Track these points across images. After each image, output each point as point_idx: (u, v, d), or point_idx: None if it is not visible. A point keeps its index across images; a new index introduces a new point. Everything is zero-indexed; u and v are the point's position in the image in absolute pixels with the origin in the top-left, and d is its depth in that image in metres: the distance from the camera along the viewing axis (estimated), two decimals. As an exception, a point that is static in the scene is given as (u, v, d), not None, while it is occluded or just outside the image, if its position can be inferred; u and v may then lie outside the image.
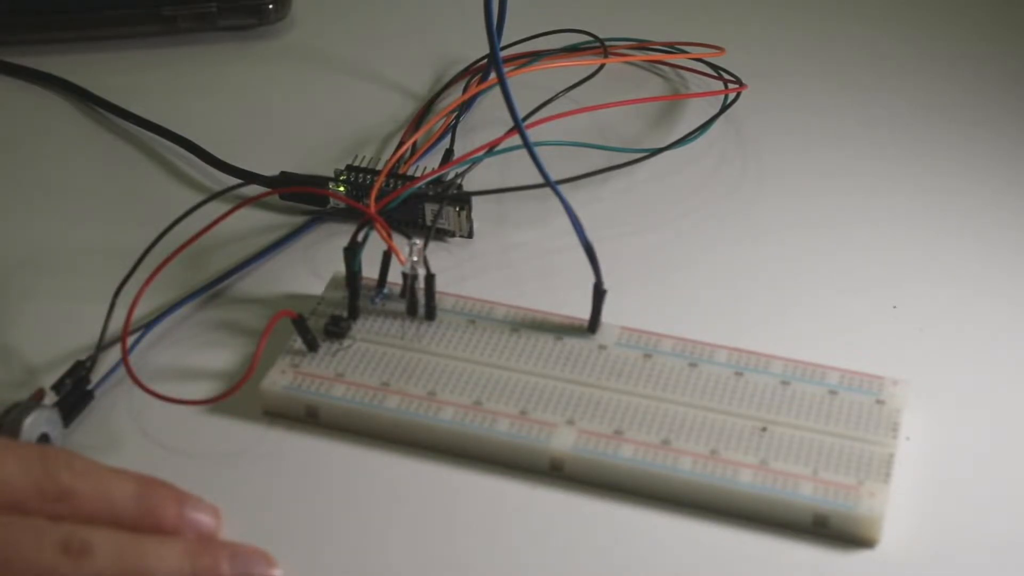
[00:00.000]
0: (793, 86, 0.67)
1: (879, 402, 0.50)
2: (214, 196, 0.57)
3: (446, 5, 0.72)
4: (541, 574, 0.47)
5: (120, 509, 0.45)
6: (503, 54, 0.60)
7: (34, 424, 0.48)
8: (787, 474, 0.48)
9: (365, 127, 0.64)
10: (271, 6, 0.69)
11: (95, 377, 0.51)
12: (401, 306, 0.53)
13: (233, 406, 0.51)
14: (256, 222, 0.59)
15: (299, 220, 0.59)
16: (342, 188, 0.58)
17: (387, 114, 0.65)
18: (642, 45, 0.67)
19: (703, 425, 0.49)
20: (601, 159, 0.60)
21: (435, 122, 0.62)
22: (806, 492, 0.47)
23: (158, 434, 0.50)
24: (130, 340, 0.52)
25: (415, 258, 0.53)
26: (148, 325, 0.53)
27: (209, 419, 0.51)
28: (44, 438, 0.49)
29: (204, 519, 0.46)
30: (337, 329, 0.52)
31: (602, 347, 0.52)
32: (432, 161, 0.60)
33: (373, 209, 0.54)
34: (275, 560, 0.46)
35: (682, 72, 0.67)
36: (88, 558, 0.43)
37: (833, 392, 0.50)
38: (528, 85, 0.61)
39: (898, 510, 0.47)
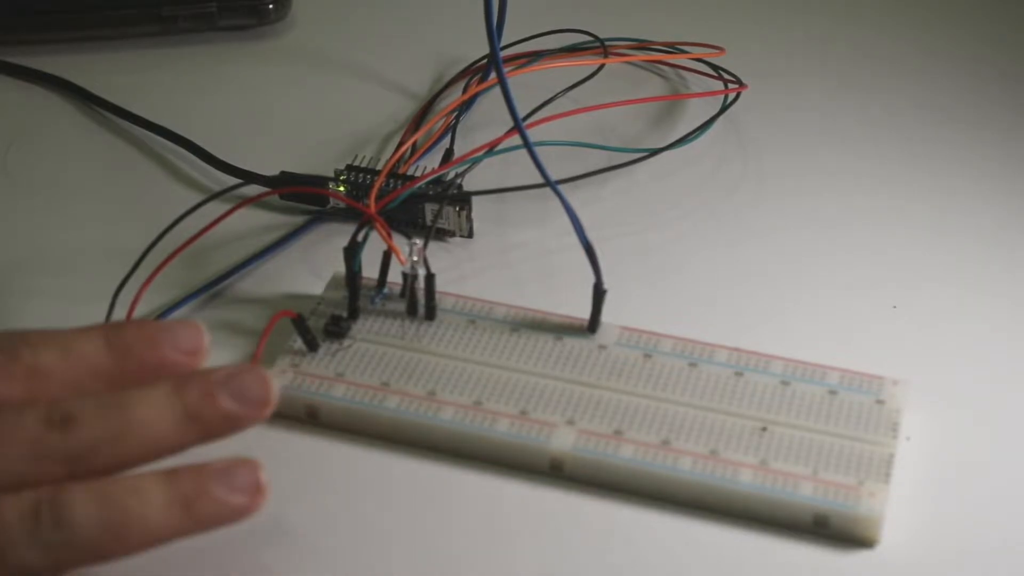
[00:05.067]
0: (793, 86, 0.67)
1: (879, 402, 0.50)
2: (214, 196, 0.57)
3: (446, 5, 0.72)
4: (541, 574, 0.47)
5: (94, 363, 0.43)
6: (503, 54, 0.60)
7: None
8: (787, 474, 0.48)
9: (365, 127, 0.64)
10: (271, 6, 0.69)
11: (95, 377, 0.51)
12: (401, 306, 0.53)
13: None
14: (256, 222, 0.59)
15: (299, 220, 0.59)
16: (342, 188, 0.58)
17: (387, 114, 0.65)
18: (642, 45, 0.67)
19: (703, 425, 0.49)
20: (601, 159, 0.60)
21: (435, 122, 0.62)
22: (806, 492, 0.47)
23: (158, 434, 0.50)
24: (130, 340, 0.52)
25: (415, 258, 0.53)
26: (148, 325, 0.54)
27: (209, 419, 0.51)
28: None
29: (186, 336, 0.44)
30: (337, 329, 0.52)
31: (602, 347, 0.52)
32: (432, 161, 0.60)
33: (373, 209, 0.54)
34: (269, 380, 0.43)
35: (682, 72, 0.67)
36: (74, 427, 0.41)
37: (833, 392, 0.50)
38: (528, 85, 0.61)
39: (898, 510, 0.48)
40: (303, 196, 0.59)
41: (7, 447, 0.41)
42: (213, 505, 0.42)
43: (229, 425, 0.43)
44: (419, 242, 0.53)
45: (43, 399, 0.42)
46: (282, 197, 0.59)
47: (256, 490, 0.42)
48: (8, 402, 0.42)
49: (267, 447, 0.50)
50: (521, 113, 0.52)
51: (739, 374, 0.51)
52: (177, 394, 0.42)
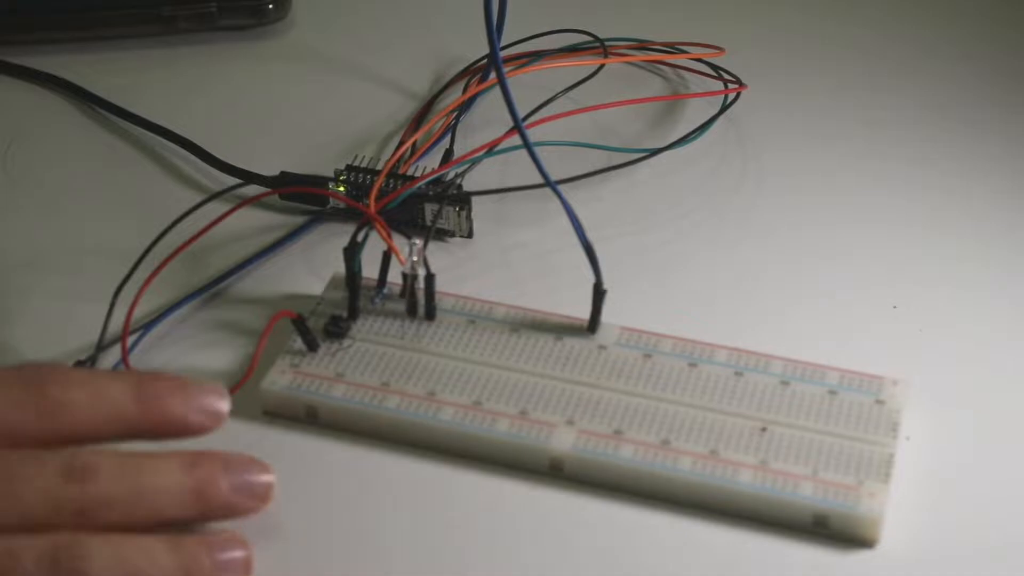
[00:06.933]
0: (793, 86, 0.67)
1: (879, 402, 0.50)
2: (214, 196, 0.57)
3: (446, 5, 0.72)
4: (541, 574, 0.47)
5: (121, 409, 0.44)
6: (503, 54, 0.60)
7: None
8: (787, 474, 0.48)
9: (365, 127, 0.64)
10: (271, 6, 0.69)
11: (95, 377, 0.51)
12: (401, 306, 0.53)
13: (233, 406, 0.51)
14: (256, 222, 0.59)
15: (299, 220, 0.59)
16: (342, 188, 0.58)
17: (387, 114, 0.65)
18: (642, 45, 0.67)
19: (703, 425, 0.49)
20: (601, 159, 0.60)
21: (435, 122, 0.62)
22: (806, 492, 0.47)
23: (158, 434, 0.50)
24: (130, 340, 0.52)
25: (415, 258, 0.53)
26: (148, 325, 0.54)
27: (209, 419, 0.51)
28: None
29: (209, 400, 0.46)
30: (337, 329, 0.52)
31: (602, 347, 0.52)
32: (432, 161, 0.60)
33: (373, 209, 0.54)
34: (268, 466, 0.46)
35: (682, 72, 0.67)
36: (91, 480, 0.43)
37: (833, 392, 0.50)
38: (528, 85, 0.61)
39: (898, 510, 0.48)
40: (303, 196, 0.59)
41: (25, 490, 0.43)
42: None
43: (227, 512, 0.45)
44: (419, 242, 0.53)
45: (64, 437, 0.44)
46: (282, 197, 0.59)
47: (246, 568, 0.45)
48: (30, 435, 0.44)
49: (267, 447, 0.50)
50: (521, 113, 0.52)
51: (739, 374, 0.51)
52: (187, 470, 0.44)
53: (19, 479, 0.43)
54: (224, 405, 0.46)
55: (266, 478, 0.46)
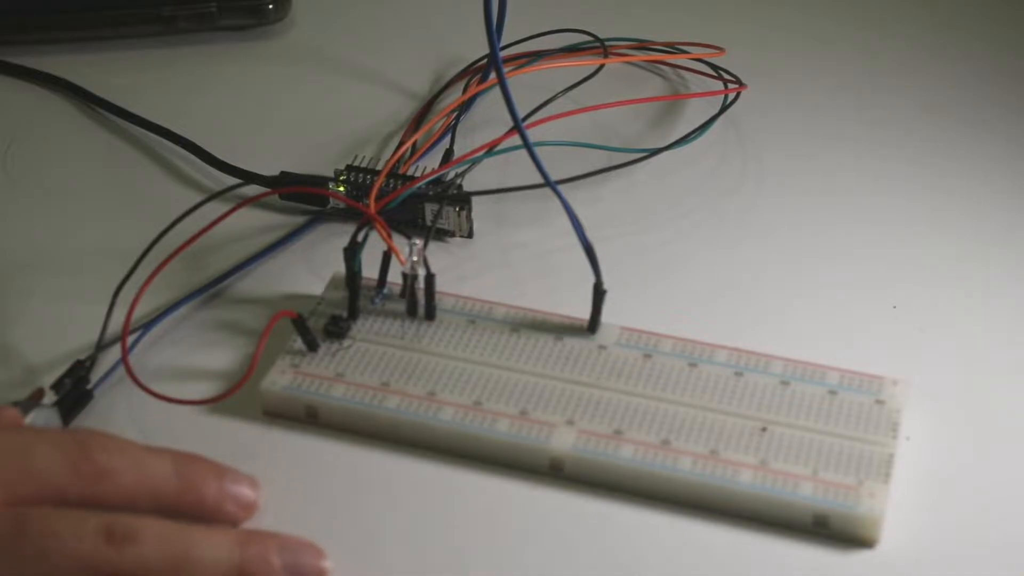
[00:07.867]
0: (793, 86, 0.67)
1: (879, 402, 0.50)
2: (214, 196, 0.57)
3: (446, 5, 0.72)
4: (541, 574, 0.47)
5: (160, 484, 0.44)
6: (503, 54, 0.61)
7: (33, 423, 0.48)
8: (787, 474, 0.48)
9: (365, 127, 0.64)
10: (271, 6, 0.69)
11: (94, 377, 0.51)
12: (401, 306, 0.53)
13: (233, 406, 0.51)
14: (256, 222, 0.59)
15: (299, 220, 0.59)
16: (342, 188, 0.58)
17: (387, 114, 0.65)
18: (642, 45, 0.67)
19: (703, 425, 0.49)
20: (601, 159, 0.60)
21: (435, 122, 0.62)
22: (806, 492, 0.47)
23: (157, 434, 0.50)
24: (129, 340, 0.52)
25: (415, 258, 0.53)
26: (148, 325, 0.54)
27: (209, 419, 0.51)
28: (44, 438, 0.49)
29: (244, 491, 0.46)
30: (337, 329, 0.52)
31: (602, 347, 0.52)
32: (432, 161, 0.60)
33: (373, 209, 0.54)
34: (324, 552, 0.45)
35: (682, 72, 0.67)
36: (132, 544, 0.42)
37: (833, 392, 0.50)
38: (528, 85, 0.61)
39: (898, 510, 0.47)
40: (303, 196, 0.59)
41: (58, 548, 0.42)
42: None
43: None
44: (419, 242, 0.53)
45: (105, 503, 0.43)
46: (282, 197, 0.59)
47: None
48: (73, 497, 0.43)
49: (267, 447, 0.50)
50: (521, 113, 0.52)
51: (739, 374, 0.51)
52: (238, 546, 0.44)
53: (54, 535, 0.42)
54: (255, 496, 0.47)
55: (322, 563, 0.45)
